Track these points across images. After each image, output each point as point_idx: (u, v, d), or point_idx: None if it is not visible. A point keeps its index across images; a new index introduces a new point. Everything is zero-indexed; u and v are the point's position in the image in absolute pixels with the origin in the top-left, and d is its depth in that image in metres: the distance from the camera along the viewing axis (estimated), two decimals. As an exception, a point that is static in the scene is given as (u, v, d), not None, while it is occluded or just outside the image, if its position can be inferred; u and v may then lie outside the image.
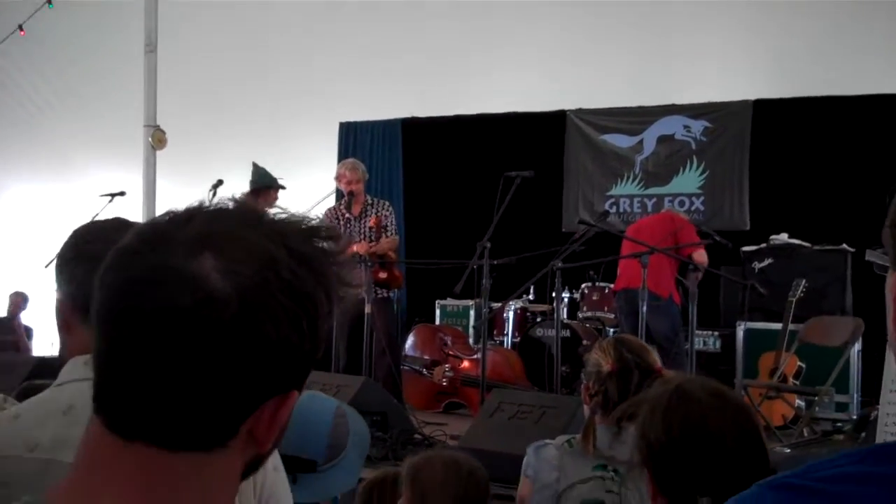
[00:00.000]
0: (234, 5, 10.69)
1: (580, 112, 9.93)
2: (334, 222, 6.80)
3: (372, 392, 5.42)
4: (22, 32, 10.63)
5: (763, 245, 7.87)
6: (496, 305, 7.90)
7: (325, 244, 0.85)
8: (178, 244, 0.79)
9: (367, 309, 6.21)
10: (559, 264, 5.92)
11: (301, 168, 9.45)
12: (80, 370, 1.41)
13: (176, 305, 0.77)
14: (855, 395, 6.79)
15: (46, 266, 7.23)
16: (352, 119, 10.98)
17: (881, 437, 3.47)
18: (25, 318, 10.45)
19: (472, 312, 8.90)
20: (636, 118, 9.71)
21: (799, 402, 6.55)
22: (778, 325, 6.76)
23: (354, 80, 10.36)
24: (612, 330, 7.84)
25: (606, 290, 8.01)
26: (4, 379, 5.23)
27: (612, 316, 7.89)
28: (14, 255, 11.36)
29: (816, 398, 6.21)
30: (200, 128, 10.54)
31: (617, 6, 9.34)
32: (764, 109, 9.04)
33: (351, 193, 6.94)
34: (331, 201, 9.42)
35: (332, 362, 6.31)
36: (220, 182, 7.18)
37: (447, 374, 7.48)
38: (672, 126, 9.55)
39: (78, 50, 11.29)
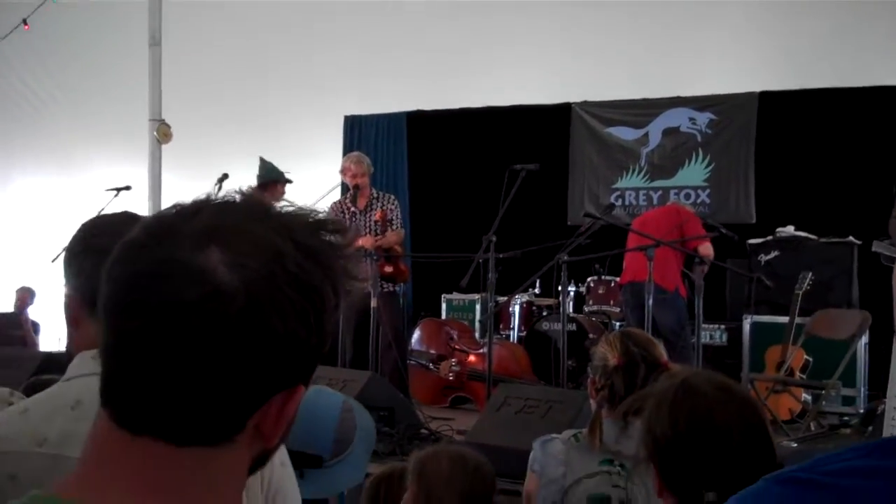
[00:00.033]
0: (239, -1, 10.71)
1: (585, 105, 9.91)
2: (340, 216, 6.79)
3: (378, 387, 5.42)
4: (26, 27, 10.64)
5: (769, 237, 7.85)
6: (502, 299, 7.89)
7: (332, 237, 0.85)
8: (185, 237, 0.79)
9: (373, 303, 6.21)
10: (565, 258, 5.91)
11: (306, 162, 9.44)
12: (88, 365, 1.41)
13: (183, 299, 0.77)
14: (862, 389, 6.78)
15: (53, 261, 7.24)
16: (356, 112, 10.97)
17: (888, 430, 3.46)
18: (33, 313, 10.48)
19: (478, 306, 8.89)
20: (641, 111, 9.69)
21: (805, 396, 6.54)
22: (784, 319, 6.75)
23: (359, 73, 10.36)
24: (618, 323, 7.84)
25: (612, 284, 8.00)
26: (12, 374, 5.23)
27: (618, 309, 7.89)
28: (20, 249, 11.39)
29: (823, 392, 6.21)
30: (205, 122, 10.54)
31: (622, -1, 9.33)
32: (770, 101, 9.01)
33: (356, 187, 6.93)
34: (336, 195, 9.42)
35: (339, 357, 6.31)
36: (225, 176, 7.19)
37: (453, 368, 7.48)
38: (677, 118, 9.53)
39: (82, 44, 11.30)
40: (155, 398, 0.78)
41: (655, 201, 9.46)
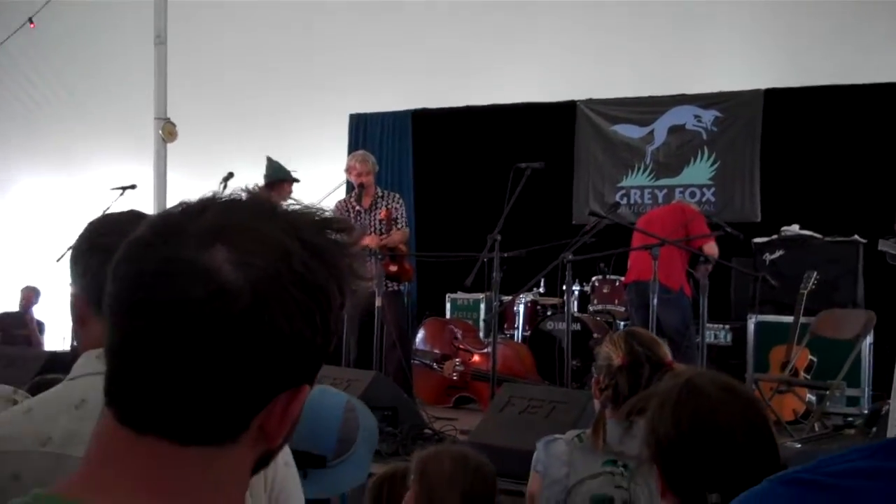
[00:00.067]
0: (244, -3, 10.72)
1: (591, 102, 9.91)
2: (344, 215, 6.79)
3: (382, 386, 5.42)
4: (32, 25, 10.66)
5: (774, 236, 7.83)
6: (507, 298, 7.89)
7: (338, 236, 0.85)
8: (191, 236, 0.79)
9: (378, 302, 6.20)
10: (570, 257, 5.90)
11: (311, 160, 9.44)
12: (93, 364, 1.41)
13: (188, 297, 0.77)
14: (866, 390, 6.76)
15: (58, 260, 7.23)
16: (362, 110, 10.99)
17: (892, 431, 3.46)
18: (37, 312, 10.50)
19: (482, 306, 8.88)
20: (647, 108, 9.68)
21: (810, 397, 6.52)
22: (789, 318, 6.73)
23: (365, 71, 10.36)
24: (622, 323, 7.83)
25: (617, 283, 7.98)
26: (17, 373, 5.25)
27: (623, 309, 7.87)
28: (26, 249, 11.41)
29: (827, 392, 6.19)
30: (211, 120, 10.56)
31: (628, -4, 9.33)
32: (775, 99, 8.99)
33: (361, 186, 6.92)
34: (341, 193, 9.43)
35: (343, 356, 6.31)
36: (230, 175, 7.19)
37: (457, 368, 7.47)
38: (683, 116, 9.51)
39: (88, 43, 11.31)
40: (159, 397, 0.78)
41: (661, 200, 9.45)
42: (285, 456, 1.55)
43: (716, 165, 9.38)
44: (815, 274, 6.80)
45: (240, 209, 0.82)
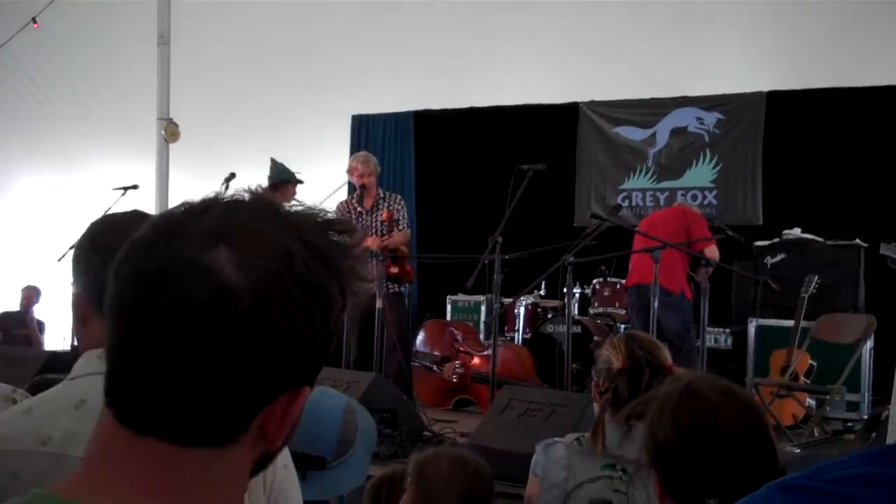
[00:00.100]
0: (247, -2, 10.73)
1: (593, 104, 9.91)
2: (346, 216, 6.78)
3: (382, 388, 5.41)
4: (35, 25, 10.67)
5: (776, 240, 7.83)
6: (507, 301, 7.89)
7: (340, 238, 0.85)
8: (193, 236, 0.79)
9: (379, 304, 6.19)
10: (571, 259, 5.89)
11: (313, 161, 9.44)
12: (93, 364, 1.41)
13: (190, 298, 0.77)
14: (866, 395, 6.75)
15: (59, 259, 7.21)
16: (364, 111, 10.99)
17: (892, 437, 3.45)
18: (38, 312, 10.50)
19: (483, 308, 8.88)
20: (649, 110, 9.68)
21: (810, 401, 6.52)
22: (790, 322, 6.73)
23: (367, 72, 10.36)
24: (623, 326, 7.82)
25: (618, 286, 7.98)
26: (17, 372, 5.26)
27: (624, 312, 7.86)
28: (26, 248, 11.41)
29: (827, 397, 6.18)
30: (213, 121, 10.56)
31: (630, -2, 9.33)
32: (778, 101, 8.98)
33: (363, 187, 6.91)
34: (342, 194, 9.44)
35: (343, 358, 6.31)
36: (232, 175, 7.20)
37: (457, 370, 7.47)
38: (685, 118, 9.51)
39: (91, 43, 11.32)
40: (160, 397, 0.78)
41: (662, 202, 9.44)
42: (284, 458, 1.55)
43: (718, 168, 9.38)
44: (817, 278, 6.80)
45: (242, 210, 0.83)
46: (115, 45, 11.11)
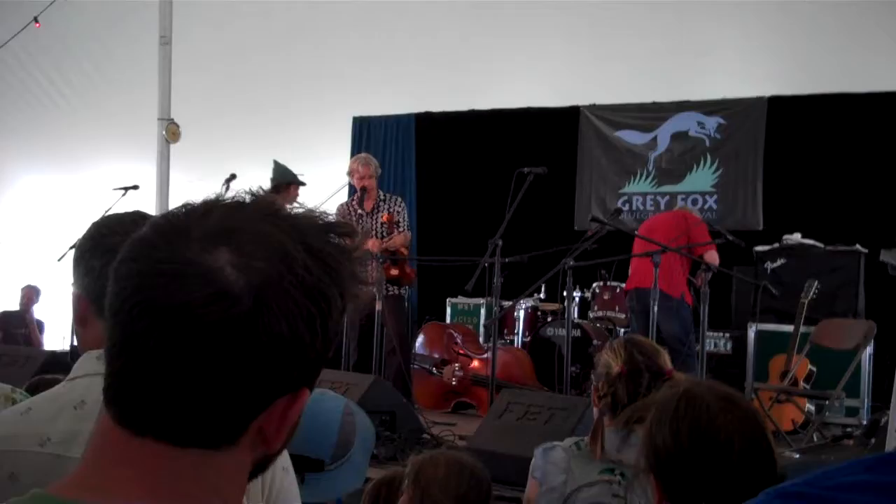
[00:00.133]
0: (249, -1, 10.73)
1: (594, 108, 9.91)
2: (346, 218, 6.78)
3: (381, 391, 5.41)
4: (37, 24, 10.68)
5: (776, 245, 7.82)
6: (507, 304, 7.88)
7: (341, 240, 0.85)
8: (194, 237, 0.79)
9: (378, 306, 6.19)
10: (571, 263, 5.89)
11: (314, 162, 9.45)
12: (93, 364, 1.41)
13: (190, 299, 0.76)
14: (866, 400, 6.75)
15: (59, 259, 7.20)
16: (365, 114, 10.99)
17: (891, 443, 3.45)
18: (38, 311, 10.49)
19: (482, 311, 8.88)
20: (650, 114, 9.68)
21: (809, 407, 6.52)
22: (789, 327, 6.72)
23: (368, 74, 10.37)
24: (622, 330, 7.82)
25: (618, 290, 7.98)
26: (16, 372, 5.26)
27: (624, 316, 7.87)
28: (27, 248, 11.41)
29: (827, 402, 6.18)
30: (214, 121, 10.56)
31: (632, 2, 9.31)
32: (779, 106, 8.98)
33: (363, 189, 6.91)
34: (343, 196, 9.44)
35: (343, 360, 6.31)
36: (233, 176, 7.20)
37: (457, 373, 7.47)
38: (686, 122, 9.51)
39: (92, 42, 11.33)
40: (159, 399, 0.78)
41: (663, 206, 9.44)
42: (283, 461, 1.55)
43: (718, 173, 9.38)
44: (816, 283, 6.80)
45: (244, 211, 0.82)
46: (117, 44, 11.12)
